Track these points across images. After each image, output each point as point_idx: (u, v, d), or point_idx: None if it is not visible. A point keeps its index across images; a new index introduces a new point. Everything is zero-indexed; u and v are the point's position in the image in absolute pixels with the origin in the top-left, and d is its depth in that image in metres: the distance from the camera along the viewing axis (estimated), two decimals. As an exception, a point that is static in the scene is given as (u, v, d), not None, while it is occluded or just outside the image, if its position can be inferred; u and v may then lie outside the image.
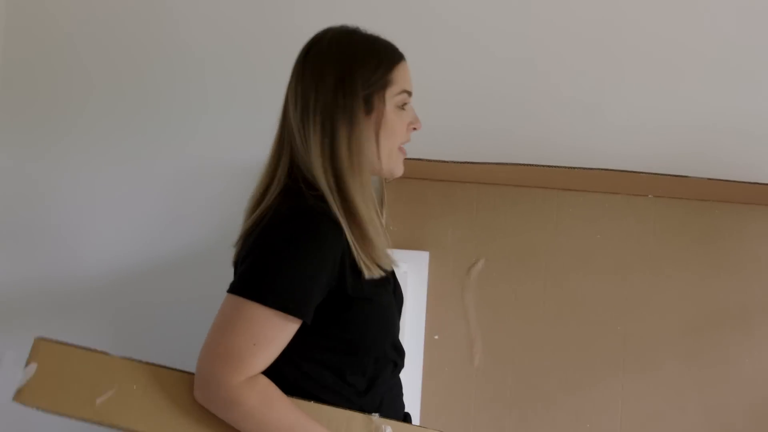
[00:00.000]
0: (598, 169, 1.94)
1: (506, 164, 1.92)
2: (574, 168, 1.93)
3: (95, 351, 1.38)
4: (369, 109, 1.40)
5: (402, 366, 1.54)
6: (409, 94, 1.46)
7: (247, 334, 1.28)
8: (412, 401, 1.94)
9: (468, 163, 1.92)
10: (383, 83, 1.41)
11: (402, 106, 1.44)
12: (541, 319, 2.07)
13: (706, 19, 2.18)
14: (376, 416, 1.39)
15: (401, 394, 1.56)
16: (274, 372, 1.33)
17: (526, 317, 2.07)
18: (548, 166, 1.93)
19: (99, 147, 2.25)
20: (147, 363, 1.38)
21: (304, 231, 1.32)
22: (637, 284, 2.08)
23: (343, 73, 1.38)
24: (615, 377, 2.05)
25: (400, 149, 1.48)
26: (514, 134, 2.16)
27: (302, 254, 1.31)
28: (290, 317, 1.30)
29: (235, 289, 1.31)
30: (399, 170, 1.49)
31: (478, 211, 2.09)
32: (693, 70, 2.18)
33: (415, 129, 1.49)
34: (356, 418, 1.39)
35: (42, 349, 1.38)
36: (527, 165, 1.93)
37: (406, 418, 1.54)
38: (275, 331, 1.30)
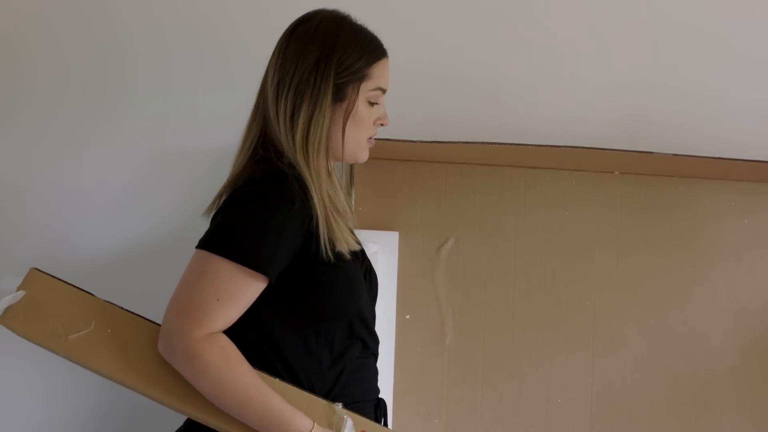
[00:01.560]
0: (565, 146, 1.95)
1: (474, 143, 1.93)
2: (541, 146, 1.95)
3: (82, 290, 1.42)
4: (341, 96, 1.43)
5: (375, 351, 1.54)
6: (384, 91, 1.49)
7: (211, 289, 1.30)
8: (384, 381, 1.94)
9: (436, 142, 1.92)
10: (360, 75, 1.44)
11: (373, 102, 1.47)
12: (511, 296, 2.09)
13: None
14: (339, 406, 1.40)
15: (373, 379, 1.56)
16: (237, 336, 1.34)
17: (497, 295, 2.09)
18: (515, 144, 1.94)
19: (62, 136, 2.21)
20: (128, 311, 1.41)
21: (275, 192, 1.35)
22: (604, 260, 2.10)
23: (323, 56, 1.41)
24: (585, 353, 2.08)
25: (368, 140, 1.51)
26: (481, 113, 2.16)
27: (271, 213, 1.33)
28: (255, 274, 1.32)
29: (202, 243, 1.34)
30: (363, 157, 1.52)
31: (447, 191, 2.10)
32: (657, 45, 2.20)
33: (382, 125, 1.52)
34: (318, 403, 1.39)
35: (34, 279, 1.43)
36: (494, 144, 1.93)
37: (380, 404, 1.55)
38: (239, 288, 1.32)
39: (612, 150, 1.97)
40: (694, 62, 2.21)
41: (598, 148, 1.96)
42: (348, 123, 1.44)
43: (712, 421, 2.06)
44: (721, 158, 1.98)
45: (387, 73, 1.49)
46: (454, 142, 1.92)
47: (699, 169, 2.04)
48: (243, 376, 1.32)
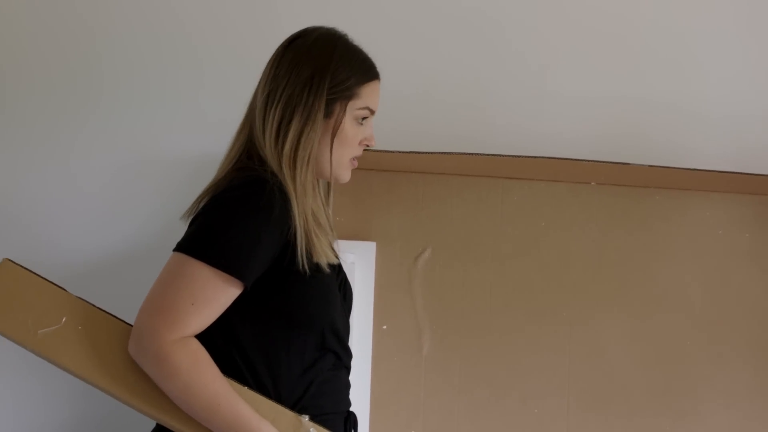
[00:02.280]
0: (542, 157, 1.96)
1: (451, 153, 1.94)
2: (518, 156, 1.95)
3: (55, 285, 1.41)
4: (329, 112, 1.44)
5: (347, 364, 1.54)
6: (372, 112, 1.51)
7: (186, 292, 1.30)
8: (361, 392, 1.95)
9: (413, 152, 1.92)
10: (350, 94, 1.46)
11: (361, 121, 1.49)
12: (488, 306, 2.09)
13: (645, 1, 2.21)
14: (305, 418, 1.39)
15: (344, 392, 1.55)
16: (206, 341, 1.34)
17: (474, 305, 2.09)
18: (492, 155, 1.95)
19: (44, 142, 2.20)
20: (101, 309, 1.40)
21: (255, 198, 1.35)
22: (581, 271, 2.10)
23: (317, 71, 1.43)
24: (562, 362, 2.08)
25: (351, 161, 1.52)
26: (459, 124, 2.17)
27: (250, 219, 1.34)
28: (231, 279, 1.32)
29: (179, 246, 1.35)
30: (345, 178, 1.53)
31: (424, 201, 2.10)
32: (635, 56, 2.22)
33: (368, 146, 1.54)
34: (285, 414, 1.38)
35: (6, 269, 1.41)
36: (472, 154, 1.94)
37: (350, 417, 1.54)
38: (215, 292, 1.32)
39: (589, 161, 1.98)
40: (671, 73, 2.22)
41: (575, 159, 1.97)
42: (334, 140, 1.46)
43: (689, 428, 2.07)
44: (697, 170, 1.99)
45: (377, 95, 1.51)
46: (431, 153, 1.92)
47: (675, 180, 2.06)
48: (213, 382, 1.32)
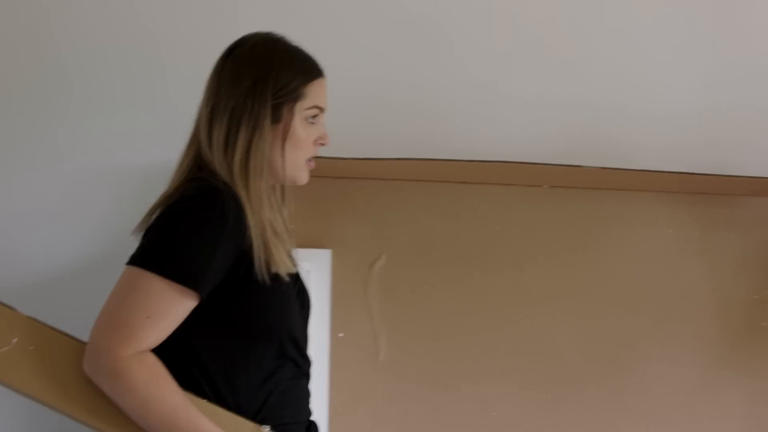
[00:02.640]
0: (495, 161, 1.97)
1: (405, 159, 1.94)
2: (471, 161, 1.97)
3: (3, 305, 1.36)
4: (277, 117, 1.42)
5: (307, 372, 1.53)
6: (321, 110, 1.48)
7: (141, 306, 1.28)
8: (319, 400, 1.94)
9: (367, 159, 1.93)
10: (295, 95, 1.44)
11: (311, 121, 1.47)
12: (443, 311, 2.10)
13: (591, 4, 2.24)
14: (266, 429, 1.38)
15: (304, 400, 1.54)
16: (163, 354, 1.31)
17: (429, 310, 2.09)
18: (446, 160, 1.96)
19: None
20: (52, 328, 1.36)
21: (208, 208, 1.33)
22: (535, 273, 2.12)
23: (258, 79, 1.41)
24: (518, 365, 2.10)
25: (307, 162, 1.50)
26: (412, 130, 2.17)
27: (204, 230, 1.32)
28: (186, 290, 1.30)
29: (132, 259, 1.32)
30: (303, 179, 1.51)
31: (379, 207, 2.10)
32: (586, 60, 2.24)
33: (322, 144, 1.51)
34: (245, 426, 1.37)
35: None
36: (425, 160, 1.95)
37: (311, 426, 1.53)
38: (170, 305, 1.30)
39: (541, 164, 2.00)
40: (616, 76, 2.26)
41: (528, 163, 1.99)
42: (286, 144, 1.44)
43: (644, 426, 2.10)
44: (647, 170, 2.03)
45: (323, 93, 1.49)
46: (385, 159, 1.93)
47: (626, 181, 2.09)
48: (170, 397, 1.30)
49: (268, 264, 1.38)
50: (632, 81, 2.26)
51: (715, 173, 2.11)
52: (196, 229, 1.32)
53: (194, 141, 1.46)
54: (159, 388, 1.28)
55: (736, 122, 2.27)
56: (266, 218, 1.39)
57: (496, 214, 2.12)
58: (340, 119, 2.09)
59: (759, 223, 2.21)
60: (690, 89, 2.28)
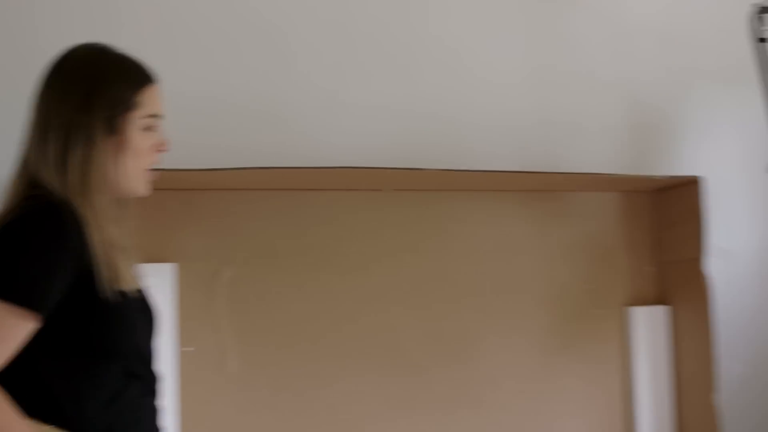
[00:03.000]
0: (337, 167, 1.99)
1: (247, 168, 1.93)
2: (313, 168, 1.97)
3: None
4: (111, 129, 1.38)
5: (153, 389, 1.50)
6: (157, 117, 1.44)
7: None
8: (169, 417, 1.90)
9: (209, 170, 1.90)
10: (128, 105, 1.39)
11: (148, 129, 1.43)
12: (291, 318, 2.10)
13: (431, 14, 2.32)
14: None
15: (153, 418, 1.50)
16: (9, 379, 1.26)
17: (277, 319, 2.10)
18: (289, 168, 1.96)
19: None
20: None
21: (46, 226, 1.29)
22: (380, 276, 2.17)
23: (87, 92, 1.36)
24: (367, 367, 2.14)
25: (147, 172, 1.46)
26: (254, 139, 2.16)
27: (41, 249, 1.27)
28: (25, 312, 1.25)
29: None
30: (142, 190, 1.47)
31: (223, 218, 2.08)
32: (414, 68, 2.30)
33: (161, 151, 1.48)
34: None
35: None
36: (268, 168, 1.95)
37: None
38: (8, 329, 1.25)
39: (381, 168, 2.03)
40: (451, 84, 2.33)
41: (369, 167, 2.02)
42: (123, 155, 1.40)
43: (489, 415, 2.19)
44: (484, 171, 2.12)
45: (157, 99, 1.45)
46: (228, 169, 1.91)
47: (464, 182, 2.16)
48: (8, 426, 1.24)
49: (111, 281, 1.34)
50: (463, 87, 2.34)
51: (544, 171, 2.22)
52: (34, 248, 1.27)
53: (25, 162, 1.39)
54: None
55: (560, 123, 2.39)
56: (108, 234, 1.35)
57: (340, 218, 2.15)
58: (180, 130, 2.06)
59: (587, 216, 2.33)
60: (517, 94, 2.38)
